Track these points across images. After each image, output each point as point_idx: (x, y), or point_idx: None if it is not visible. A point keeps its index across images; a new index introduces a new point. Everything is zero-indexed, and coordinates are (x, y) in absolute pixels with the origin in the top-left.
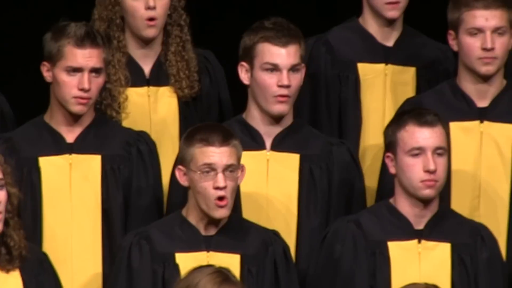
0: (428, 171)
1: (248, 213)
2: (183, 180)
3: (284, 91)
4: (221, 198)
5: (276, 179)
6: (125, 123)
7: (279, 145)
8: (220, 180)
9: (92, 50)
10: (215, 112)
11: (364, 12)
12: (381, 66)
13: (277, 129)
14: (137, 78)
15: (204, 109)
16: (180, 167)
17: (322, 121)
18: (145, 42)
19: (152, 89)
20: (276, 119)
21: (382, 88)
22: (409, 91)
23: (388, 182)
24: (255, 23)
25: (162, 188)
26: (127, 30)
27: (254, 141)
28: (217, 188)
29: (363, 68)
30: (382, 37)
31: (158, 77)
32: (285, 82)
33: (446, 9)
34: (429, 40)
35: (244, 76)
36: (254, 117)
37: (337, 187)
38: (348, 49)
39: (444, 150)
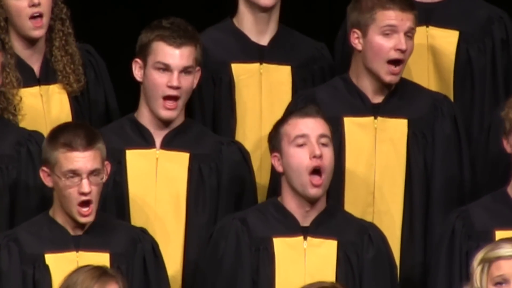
0: (314, 157)
1: (136, 211)
2: (47, 181)
3: (173, 92)
4: (85, 204)
5: (165, 177)
6: (23, 125)
7: (169, 143)
8: (85, 186)
9: None
10: (103, 106)
11: (239, 8)
12: (255, 65)
13: (167, 128)
14: (28, 79)
15: (92, 103)
16: (44, 168)
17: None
18: (31, 42)
19: (43, 88)
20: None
21: (257, 88)
22: (285, 90)
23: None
24: (154, 21)
25: None
26: (11, 31)
27: (143, 140)
28: (82, 193)
29: (237, 68)
30: (256, 36)
31: (47, 75)
32: (175, 83)
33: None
34: (304, 38)
35: (137, 73)
36: (145, 116)
37: (227, 186)
38: (221, 50)
39: (329, 140)
